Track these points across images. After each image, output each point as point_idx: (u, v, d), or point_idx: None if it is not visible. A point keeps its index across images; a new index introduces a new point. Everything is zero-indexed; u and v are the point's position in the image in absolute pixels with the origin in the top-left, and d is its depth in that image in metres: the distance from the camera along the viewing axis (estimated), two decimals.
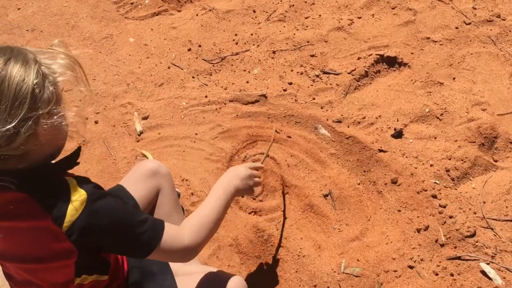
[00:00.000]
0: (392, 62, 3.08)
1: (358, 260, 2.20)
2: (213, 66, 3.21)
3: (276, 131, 2.66)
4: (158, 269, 1.72)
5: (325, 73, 3.03)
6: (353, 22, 3.37)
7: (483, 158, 2.49)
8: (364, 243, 2.26)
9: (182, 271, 1.75)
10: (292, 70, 3.08)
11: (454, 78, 2.93)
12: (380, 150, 2.55)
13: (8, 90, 1.10)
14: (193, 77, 3.14)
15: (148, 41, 3.47)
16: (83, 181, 1.28)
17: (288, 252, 2.24)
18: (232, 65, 3.19)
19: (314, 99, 2.87)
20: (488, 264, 2.12)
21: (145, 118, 2.88)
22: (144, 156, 2.66)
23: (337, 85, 2.94)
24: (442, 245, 2.20)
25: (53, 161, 1.28)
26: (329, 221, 2.35)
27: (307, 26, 3.39)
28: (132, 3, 3.83)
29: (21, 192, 1.18)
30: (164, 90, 3.07)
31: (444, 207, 2.30)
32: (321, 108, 2.81)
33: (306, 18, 3.47)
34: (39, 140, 1.16)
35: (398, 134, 2.63)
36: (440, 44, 3.13)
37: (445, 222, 2.25)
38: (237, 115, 2.83)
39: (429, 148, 2.55)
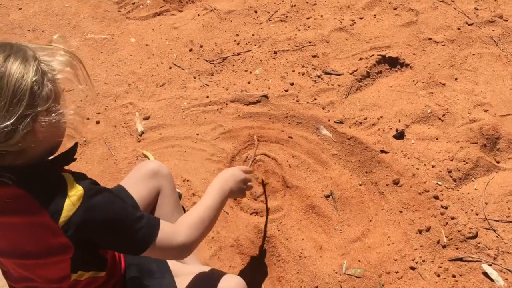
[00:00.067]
0: (394, 63, 3.07)
1: (359, 261, 2.19)
2: (215, 66, 3.20)
3: (258, 140, 2.65)
4: (157, 268, 1.72)
5: (326, 73, 3.02)
6: (355, 22, 3.36)
7: (485, 159, 2.49)
8: (365, 244, 2.26)
9: (182, 272, 1.75)
10: (293, 71, 3.08)
11: (456, 79, 2.92)
12: (382, 151, 2.55)
13: (7, 87, 1.10)
14: (194, 78, 3.14)
15: (149, 41, 3.46)
16: (80, 177, 1.28)
17: (290, 253, 2.23)
18: (233, 65, 3.19)
19: (315, 99, 2.86)
20: (490, 265, 2.11)
21: (146, 118, 2.88)
22: (145, 156, 2.66)
23: (339, 85, 2.93)
24: (444, 246, 2.19)
25: (50, 158, 1.28)
26: (331, 222, 2.35)
27: (308, 27, 3.38)
28: (133, 3, 3.83)
29: (18, 187, 1.18)
30: (166, 91, 3.06)
31: (446, 208, 2.29)
32: (323, 108, 2.81)
33: (307, 18, 3.46)
34: (37, 137, 1.17)
35: (400, 135, 2.62)
36: (442, 45, 3.13)
37: (447, 223, 2.24)
38: (238, 115, 2.83)
39: (431, 149, 2.54)
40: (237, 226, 2.33)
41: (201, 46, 3.35)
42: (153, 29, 3.57)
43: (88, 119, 2.92)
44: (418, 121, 2.69)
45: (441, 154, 2.50)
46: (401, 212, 2.34)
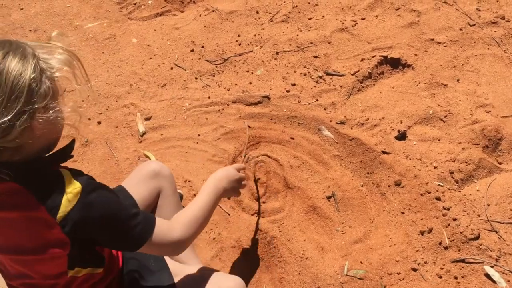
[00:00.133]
0: (395, 64, 3.07)
1: (361, 262, 2.19)
2: (216, 67, 3.20)
3: (248, 126, 2.66)
4: (155, 265, 1.73)
5: (328, 74, 3.02)
6: (357, 23, 3.36)
7: (487, 160, 2.48)
8: (367, 245, 2.25)
9: (182, 272, 1.75)
10: (295, 71, 3.07)
11: (458, 80, 2.91)
12: (384, 152, 2.54)
13: (5, 83, 1.11)
14: (196, 78, 3.13)
15: (151, 41, 3.46)
16: (77, 174, 1.29)
17: (291, 254, 2.23)
18: (235, 66, 3.18)
19: (317, 100, 2.86)
20: (492, 267, 2.10)
21: (147, 119, 2.88)
22: (147, 157, 2.65)
23: (341, 86, 2.93)
24: (446, 248, 2.19)
25: (47, 154, 1.29)
26: (332, 223, 2.34)
27: (310, 27, 3.38)
28: (135, 4, 3.83)
29: (16, 183, 1.19)
30: (167, 91, 3.06)
31: (448, 209, 2.29)
32: (325, 109, 2.81)
33: (309, 19, 3.46)
34: (34, 133, 1.18)
35: (401, 136, 2.62)
36: (444, 46, 3.12)
37: (449, 225, 2.24)
38: (240, 116, 2.82)
39: (433, 150, 2.54)
40: (238, 227, 2.33)
41: (203, 47, 3.35)
42: (155, 30, 3.57)
43: (89, 119, 2.92)
44: (420, 122, 2.69)
45: (443, 155, 2.50)
46: (403, 213, 2.33)
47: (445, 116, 2.69)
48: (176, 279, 1.70)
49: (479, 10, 3.33)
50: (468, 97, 2.78)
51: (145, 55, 3.36)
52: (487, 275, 2.08)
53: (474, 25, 3.23)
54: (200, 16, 3.63)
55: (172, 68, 3.22)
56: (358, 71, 2.99)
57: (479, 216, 2.27)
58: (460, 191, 2.38)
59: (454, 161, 2.46)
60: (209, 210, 1.59)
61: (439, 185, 2.38)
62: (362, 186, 2.47)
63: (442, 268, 2.13)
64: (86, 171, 2.53)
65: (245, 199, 2.44)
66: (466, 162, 2.45)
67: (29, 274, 1.32)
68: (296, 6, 3.56)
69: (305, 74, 3.04)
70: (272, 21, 3.49)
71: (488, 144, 2.54)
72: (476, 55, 3.05)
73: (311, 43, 3.24)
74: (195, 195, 2.44)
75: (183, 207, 2.20)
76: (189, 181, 2.50)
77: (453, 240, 2.19)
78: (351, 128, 2.68)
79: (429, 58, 3.06)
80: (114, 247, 1.48)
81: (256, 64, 3.17)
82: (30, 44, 1.22)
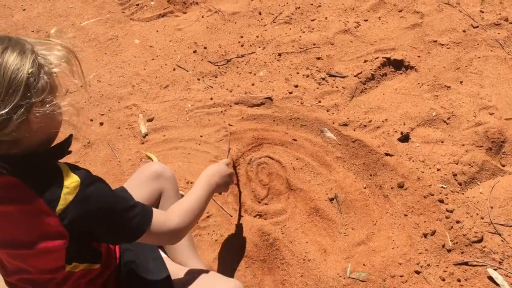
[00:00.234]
0: (398, 65, 3.06)
1: (364, 264, 2.18)
2: (219, 68, 3.20)
3: (229, 124, 2.71)
4: (149, 257, 1.74)
5: (331, 76, 3.01)
6: (360, 24, 3.35)
7: (491, 162, 2.47)
8: (370, 248, 2.25)
9: (181, 273, 1.76)
10: (298, 73, 3.07)
11: (461, 82, 2.91)
12: (387, 154, 2.53)
13: (3, 77, 1.14)
14: (198, 79, 3.13)
15: (153, 42, 3.46)
16: (74, 168, 1.32)
17: (294, 256, 2.22)
18: (237, 67, 3.18)
19: (320, 102, 2.85)
20: (495, 269, 2.10)
21: (150, 120, 2.87)
22: (149, 158, 2.65)
23: (343, 88, 2.92)
24: (449, 250, 2.18)
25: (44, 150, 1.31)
26: (335, 225, 2.34)
27: (313, 29, 3.37)
28: (137, 5, 3.83)
29: (14, 176, 1.21)
30: (169, 92, 3.06)
31: (451, 212, 2.28)
32: (327, 111, 2.80)
33: (312, 20, 3.45)
34: (31, 127, 1.19)
35: (404, 138, 2.61)
36: (447, 48, 3.11)
37: (452, 227, 2.23)
38: (242, 117, 2.82)
39: (436, 152, 2.53)
40: (240, 229, 2.32)
41: (205, 48, 3.34)
42: (157, 31, 3.57)
43: (91, 120, 2.92)
44: (423, 124, 2.68)
45: (446, 158, 2.49)
46: (405, 215, 2.32)
47: (448, 118, 2.68)
48: (174, 281, 1.71)
49: (483, 12, 3.32)
50: (471, 99, 2.77)
51: (147, 56, 3.35)
52: (491, 278, 2.08)
53: (477, 27, 3.22)
54: (202, 17, 3.62)
55: (174, 69, 3.22)
56: (361, 72, 2.98)
57: (482, 218, 2.26)
58: (463, 194, 2.37)
59: (457, 163, 2.45)
60: (203, 202, 1.63)
61: (442, 187, 2.37)
62: (365, 188, 2.46)
63: (445, 271, 2.12)
64: None
65: (247, 201, 2.43)
66: (469, 165, 2.44)
67: (26, 269, 1.33)
68: (299, 7, 3.56)
69: (307, 76, 3.03)
70: (275, 23, 3.48)
71: (491, 146, 2.54)
72: (479, 57, 3.05)
73: (314, 44, 3.24)
74: None
75: None
76: (191, 183, 2.50)
77: (456, 242, 2.18)
78: (354, 130, 2.68)
79: (432, 60, 3.05)
80: (113, 240, 1.49)
81: (259, 65, 3.16)
82: (30, 40, 1.24)
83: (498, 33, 3.17)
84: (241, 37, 3.40)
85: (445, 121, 2.67)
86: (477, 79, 2.92)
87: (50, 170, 1.26)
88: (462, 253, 2.17)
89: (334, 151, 2.62)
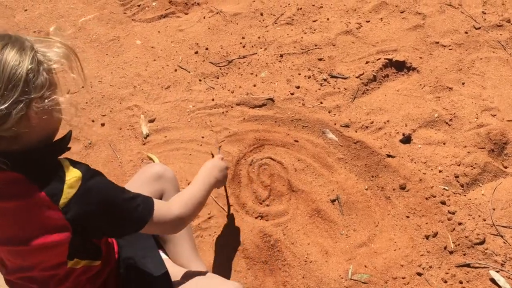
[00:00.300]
0: (400, 67, 3.06)
1: (365, 266, 2.17)
2: (220, 69, 3.19)
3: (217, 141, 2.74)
4: (151, 260, 1.74)
5: (333, 77, 3.01)
6: (362, 26, 3.35)
7: (493, 164, 2.47)
8: (372, 249, 2.24)
9: (181, 276, 1.76)
10: (299, 74, 3.06)
11: (463, 83, 2.90)
12: (388, 155, 2.53)
13: (2, 73, 1.16)
14: (200, 80, 3.13)
15: (155, 43, 3.46)
16: (75, 162, 1.33)
17: (295, 258, 2.22)
18: (239, 68, 3.18)
19: (321, 103, 2.85)
20: (497, 272, 2.09)
21: (151, 121, 2.87)
22: (150, 159, 2.65)
23: (345, 89, 2.91)
24: (451, 252, 2.17)
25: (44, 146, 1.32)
26: (337, 227, 2.33)
27: (315, 30, 3.37)
28: (139, 5, 3.83)
29: (15, 172, 1.22)
30: (171, 93, 3.05)
31: (453, 213, 2.27)
32: (329, 112, 2.79)
33: (314, 21, 3.45)
34: (30, 122, 1.21)
35: (406, 139, 2.60)
36: (449, 49, 3.11)
37: (454, 229, 2.22)
38: (244, 118, 2.81)
39: (438, 154, 2.52)
40: (242, 230, 2.32)
41: (207, 49, 3.34)
42: (159, 31, 3.56)
43: (93, 121, 2.91)
44: (425, 125, 2.67)
45: (448, 159, 2.48)
46: (407, 217, 2.32)
47: (450, 120, 2.67)
48: (174, 282, 1.71)
49: (485, 13, 3.31)
50: (473, 101, 2.76)
51: (149, 57, 3.35)
52: (493, 280, 2.07)
53: (479, 28, 3.21)
54: (204, 18, 3.62)
55: (176, 70, 3.21)
56: (363, 73, 2.97)
57: (484, 220, 2.26)
58: (465, 195, 2.36)
59: (459, 165, 2.45)
60: (203, 195, 1.66)
61: (444, 189, 2.37)
62: (366, 189, 2.46)
63: (447, 273, 2.11)
64: None
65: (248, 202, 2.43)
66: (471, 166, 2.44)
67: (28, 266, 1.33)
68: (301, 8, 3.55)
69: (309, 77, 3.03)
70: (277, 24, 3.48)
71: (493, 148, 2.53)
72: (481, 58, 3.04)
73: (316, 45, 3.23)
74: None
75: None
76: None
77: (458, 244, 2.18)
78: (356, 131, 2.67)
79: (434, 61, 3.05)
80: (116, 232, 1.49)
81: (260, 66, 3.16)
82: (29, 38, 1.26)
83: (500, 35, 3.17)
84: (243, 38, 3.40)
85: (447, 123, 2.67)
86: (479, 80, 2.92)
87: (51, 165, 1.28)
88: (464, 255, 2.16)
89: (336, 152, 2.61)
